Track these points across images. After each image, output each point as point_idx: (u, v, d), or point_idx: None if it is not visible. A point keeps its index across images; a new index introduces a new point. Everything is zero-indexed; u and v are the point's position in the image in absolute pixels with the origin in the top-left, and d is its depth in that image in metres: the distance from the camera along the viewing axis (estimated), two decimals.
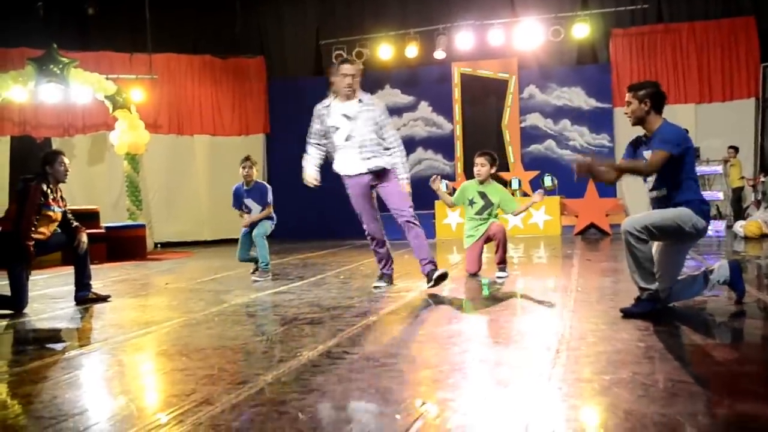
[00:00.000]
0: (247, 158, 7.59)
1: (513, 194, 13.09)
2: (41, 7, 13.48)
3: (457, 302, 5.44)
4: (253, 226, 7.42)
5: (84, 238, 5.91)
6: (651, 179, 4.35)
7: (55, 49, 12.04)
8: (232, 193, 7.64)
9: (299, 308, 5.13)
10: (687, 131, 4.41)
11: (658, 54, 13.89)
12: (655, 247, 4.41)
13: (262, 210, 7.45)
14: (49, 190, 5.73)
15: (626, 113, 4.42)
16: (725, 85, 13.59)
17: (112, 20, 14.28)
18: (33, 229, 5.61)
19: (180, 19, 14.77)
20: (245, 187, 7.51)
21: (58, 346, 4.27)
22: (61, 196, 5.96)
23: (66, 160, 5.93)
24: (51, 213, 5.76)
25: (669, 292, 4.35)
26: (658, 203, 4.36)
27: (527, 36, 13.71)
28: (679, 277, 4.45)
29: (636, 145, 4.48)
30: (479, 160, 6.70)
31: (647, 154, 4.33)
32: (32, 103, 12.72)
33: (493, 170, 6.71)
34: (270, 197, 7.55)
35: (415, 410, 2.53)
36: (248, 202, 7.48)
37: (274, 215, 7.60)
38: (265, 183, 7.78)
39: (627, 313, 4.23)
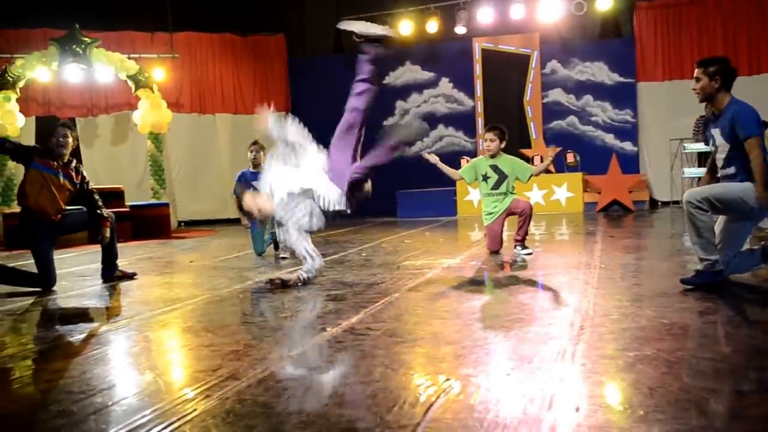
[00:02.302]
0: (255, 142, 7.65)
1: None
2: None
3: (479, 279, 5.45)
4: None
5: (107, 232, 5.92)
6: (721, 157, 4.29)
7: (77, 30, 12.12)
8: (236, 178, 7.65)
9: (322, 285, 5.16)
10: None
11: (683, 27, 13.66)
12: (719, 219, 4.38)
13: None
14: (53, 160, 5.77)
15: (694, 89, 4.32)
16: (752, 58, 13.33)
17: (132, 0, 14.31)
18: (38, 198, 5.69)
19: None
20: (252, 170, 7.55)
21: (87, 323, 4.34)
22: (75, 168, 5.95)
23: (62, 133, 5.82)
24: (60, 180, 5.78)
25: (727, 264, 4.33)
26: (726, 181, 4.32)
27: (549, 10, 13.53)
28: (741, 250, 4.43)
29: (707, 123, 4.41)
30: (488, 135, 6.68)
31: (715, 132, 4.29)
32: (56, 84, 12.83)
33: (503, 144, 6.67)
34: None
35: (439, 386, 2.55)
36: (257, 183, 7.49)
37: None
38: None
39: (687, 284, 4.24)
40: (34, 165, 5.74)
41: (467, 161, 13.45)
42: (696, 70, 4.32)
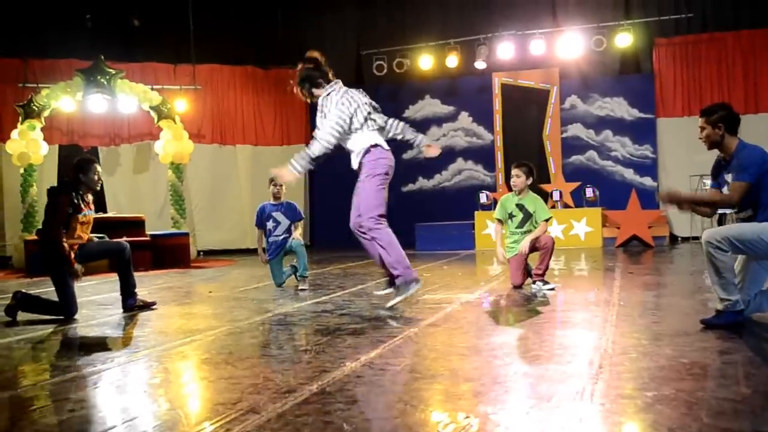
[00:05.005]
0: None
1: (554, 206, 13.02)
2: (89, 20, 13.86)
3: (498, 315, 5.44)
4: (281, 247, 7.53)
5: None
6: None
7: (102, 61, 12.38)
8: (256, 211, 7.78)
9: (341, 318, 5.18)
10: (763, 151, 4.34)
11: (703, 63, 13.71)
12: (739, 258, 4.39)
13: (291, 224, 7.62)
14: (79, 198, 5.85)
15: (700, 138, 4.42)
16: None
17: (156, 32, 14.61)
18: (64, 237, 5.73)
19: (223, 30, 15.03)
20: (273, 203, 7.66)
21: (107, 352, 4.38)
22: (92, 200, 6.12)
23: (99, 168, 6.01)
24: (84, 218, 5.91)
25: (748, 303, 4.32)
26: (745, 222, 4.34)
27: (569, 46, 13.67)
28: (763, 289, 4.42)
29: (717, 169, 4.47)
30: (515, 171, 6.69)
31: (728, 177, 4.35)
32: (80, 113, 13.07)
33: (529, 181, 6.67)
34: (301, 212, 7.92)
35: (458, 424, 2.55)
36: (276, 215, 7.61)
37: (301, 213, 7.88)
38: (293, 201, 7.92)
39: (709, 325, 4.22)
40: (76, 214, 5.84)
41: (492, 197, 13.55)
42: (699, 120, 4.44)
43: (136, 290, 6.15)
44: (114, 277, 6.41)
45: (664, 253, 10.88)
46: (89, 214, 6.01)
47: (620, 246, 12.55)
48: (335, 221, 15.61)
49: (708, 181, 4.62)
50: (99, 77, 12.33)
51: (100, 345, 4.75)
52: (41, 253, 5.94)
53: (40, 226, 11.49)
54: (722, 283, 4.19)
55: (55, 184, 6.32)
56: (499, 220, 6.84)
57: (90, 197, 6.07)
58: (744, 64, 13.46)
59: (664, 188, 4.28)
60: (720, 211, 10.17)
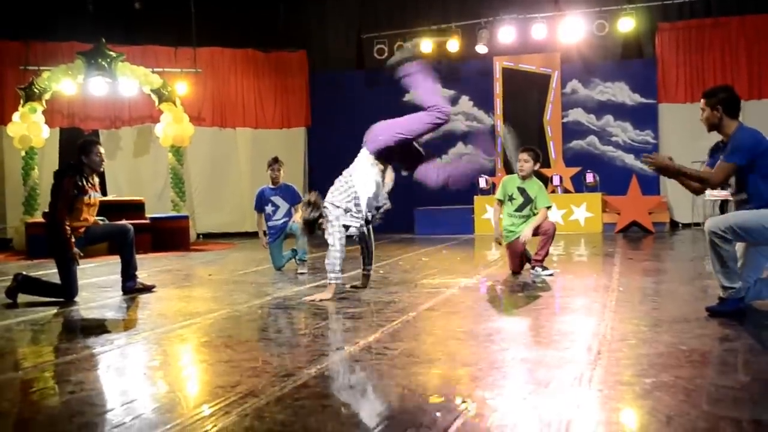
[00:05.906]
0: (276, 159, 7.73)
1: (554, 191, 13.00)
2: (90, 2, 13.76)
3: (496, 300, 5.45)
4: (281, 231, 7.55)
5: None
6: (732, 183, 4.34)
7: (103, 44, 12.32)
8: (255, 195, 7.78)
9: (340, 302, 5.19)
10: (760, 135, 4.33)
11: (706, 49, 13.59)
12: (738, 244, 4.39)
13: (291, 207, 7.61)
14: (83, 180, 5.87)
15: (701, 120, 4.42)
16: None
17: (157, 15, 14.50)
18: (69, 220, 5.75)
19: (224, 13, 14.94)
20: (271, 187, 7.65)
21: (107, 335, 4.39)
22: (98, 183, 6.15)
23: (101, 150, 6.03)
24: (90, 200, 5.93)
25: (747, 289, 4.32)
26: (740, 206, 4.34)
27: (571, 30, 13.55)
28: (762, 276, 4.42)
29: (715, 150, 4.47)
30: (523, 156, 6.65)
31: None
32: (81, 96, 13.02)
33: (536, 167, 6.65)
34: (301, 194, 7.80)
35: (455, 408, 2.56)
36: (275, 199, 7.61)
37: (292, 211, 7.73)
38: (291, 184, 7.89)
39: (713, 312, 4.23)
40: (81, 195, 5.86)
41: (491, 181, 13.52)
42: (701, 101, 4.44)
43: (137, 273, 6.17)
44: (114, 260, 6.42)
45: (664, 240, 10.89)
46: (95, 196, 6.02)
47: (620, 232, 12.54)
48: None
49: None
50: (100, 60, 12.27)
51: (99, 327, 4.75)
52: (47, 235, 5.94)
53: (41, 209, 11.66)
54: (726, 272, 4.18)
55: (57, 167, 6.32)
56: (500, 201, 6.81)
57: (96, 179, 6.10)
58: (748, 49, 13.34)
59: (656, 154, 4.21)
60: (721, 196, 10.17)
